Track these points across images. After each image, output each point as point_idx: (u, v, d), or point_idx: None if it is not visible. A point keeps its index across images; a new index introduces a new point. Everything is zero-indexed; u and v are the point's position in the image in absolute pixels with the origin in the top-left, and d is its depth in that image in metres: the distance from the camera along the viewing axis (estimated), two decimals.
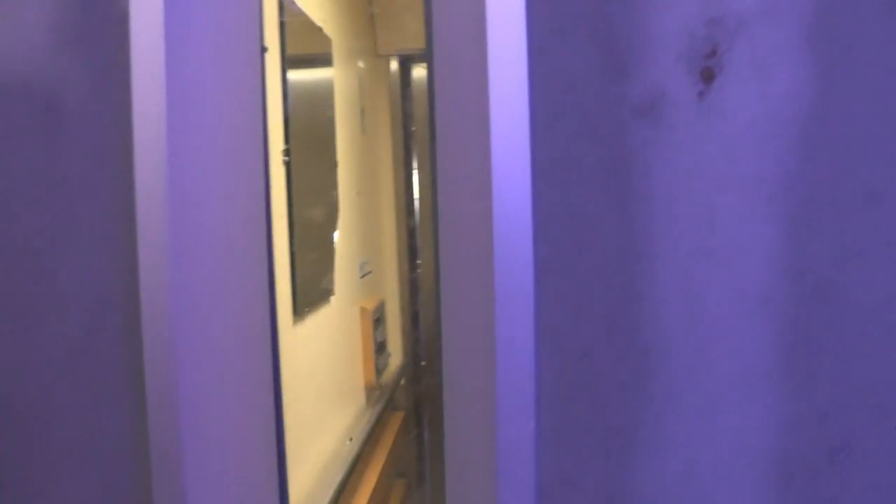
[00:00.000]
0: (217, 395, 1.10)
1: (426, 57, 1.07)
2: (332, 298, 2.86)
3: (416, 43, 3.89)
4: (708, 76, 0.94)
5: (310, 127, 2.71)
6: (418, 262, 4.30)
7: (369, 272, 3.74)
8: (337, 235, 3.02)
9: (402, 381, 4.09)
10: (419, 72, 4.06)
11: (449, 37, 1.04)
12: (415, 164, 3.95)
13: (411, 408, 4.23)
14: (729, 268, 0.95)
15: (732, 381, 0.96)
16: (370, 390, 3.58)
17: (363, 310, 3.56)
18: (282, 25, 2.22)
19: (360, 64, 3.66)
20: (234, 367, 1.15)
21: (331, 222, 2.96)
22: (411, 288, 4.17)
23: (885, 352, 0.92)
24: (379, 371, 3.68)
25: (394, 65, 3.99)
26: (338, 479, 2.61)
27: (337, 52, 3.06)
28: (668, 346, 0.98)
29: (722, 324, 0.96)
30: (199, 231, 1.05)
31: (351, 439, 3.04)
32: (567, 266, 0.97)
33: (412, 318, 4.19)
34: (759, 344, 0.95)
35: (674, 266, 0.97)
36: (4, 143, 1.04)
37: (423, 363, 4.37)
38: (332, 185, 2.99)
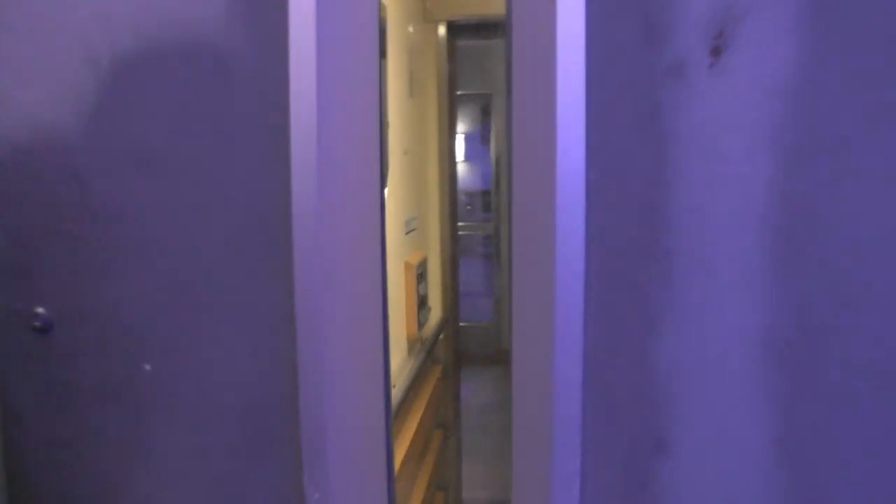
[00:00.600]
0: (346, 281, 1.53)
1: (506, 24, 1.48)
2: None
3: (463, 10, 4.27)
4: (716, 52, 1.33)
5: None
6: (462, 224, 4.71)
7: (414, 229, 4.11)
8: (386, 192, 3.38)
9: (441, 336, 4.50)
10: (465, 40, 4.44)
11: (525, 10, 1.45)
12: (459, 128, 4.32)
13: (449, 361, 4.66)
14: (734, 193, 1.35)
15: (732, 279, 1.36)
16: (412, 342, 3.92)
17: (408, 265, 3.88)
18: None
19: (410, 29, 4.02)
20: (354, 275, 1.57)
21: (382, 179, 3.33)
22: (452, 246, 4.58)
23: (852, 259, 1.32)
24: (420, 324, 4.02)
25: (441, 30, 4.37)
26: None
27: (389, 18, 3.42)
28: (685, 249, 1.38)
29: (727, 236, 1.36)
30: (336, 160, 1.47)
31: (394, 386, 3.42)
32: (611, 188, 1.38)
33: (452, 275, 4.61)
34: (755, 251, 1.35)
35: (692, 191, 1.37)
36: (190, 91, 1.46)
37: (462, 324, 4.80)
38: (384, 143, 3.35)
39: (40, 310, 1.55)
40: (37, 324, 1.55)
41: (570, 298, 1.37)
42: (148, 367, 1.53)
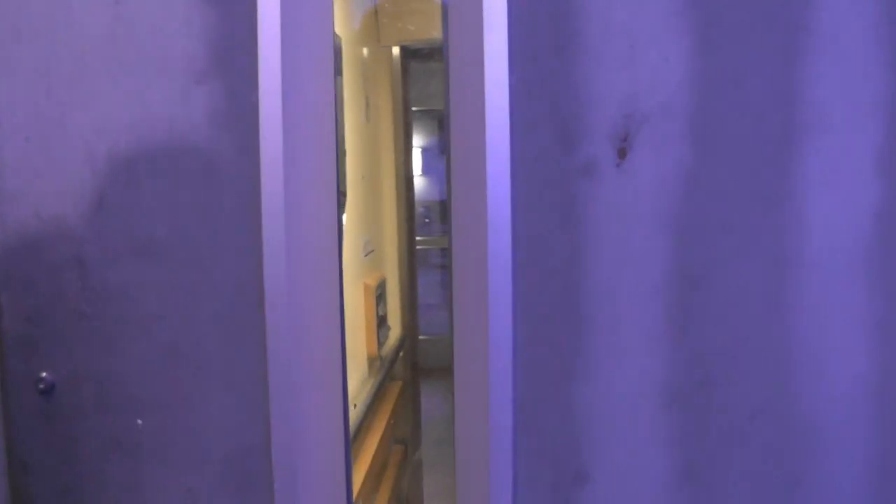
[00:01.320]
0: (309, 346, 1.91)
1: (445, 116, 1.86)
2: None
3: (417, 34, 4.60)
4: (622, 153, 1.73)
5: None
6: (420, 238, 5.04)
7: (372, 251, 4.40)
8: (344, 217, 3.67)
9: (401, 354, 4.84)
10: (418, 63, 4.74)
11: (460, 118, 1.84)
12: (416, 142, 4.63)
13: (409, 378, 5.02)
14: (637, 269, 1.75)
15: (637, 339, 1.77)
16: (372, 361, 4.18)
17: (367, 287, 4.13)
18: None
19: (364, 54, 4.33)
20: (316, 332, 1.95)
21: (340, 204, 3.58)
22: (410, 265, 4.94)
23: (735, 322, 1.74)
24: (380, 343, 4.24)
25: (395, 52, 4.71)
26: None
27: (345, 47, 3.70)
28: (597, 315, 1.78)
29: (631, 304, 1.76)
30: (302, 235, 1.85)
31: (355, 405, 3.67)
32: (535, 266, 1.78)
33: (411, 293, 4.96)
34: (655, 316, 1.76)
35: (602, 268, 1.77)
36: (185, 186, 1.83)
37: (421, 337, 5.15)
38: (342, 172, 3.64)
39: (44, 374, 1.90)
40: (41, 386, 1.90)
41: (502, 357, 1.76)
42: (140, 422, 1.89)
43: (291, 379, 1.82)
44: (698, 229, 1.74)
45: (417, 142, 6.81)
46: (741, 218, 1.74)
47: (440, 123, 6.93)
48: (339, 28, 3.46)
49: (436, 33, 4.62)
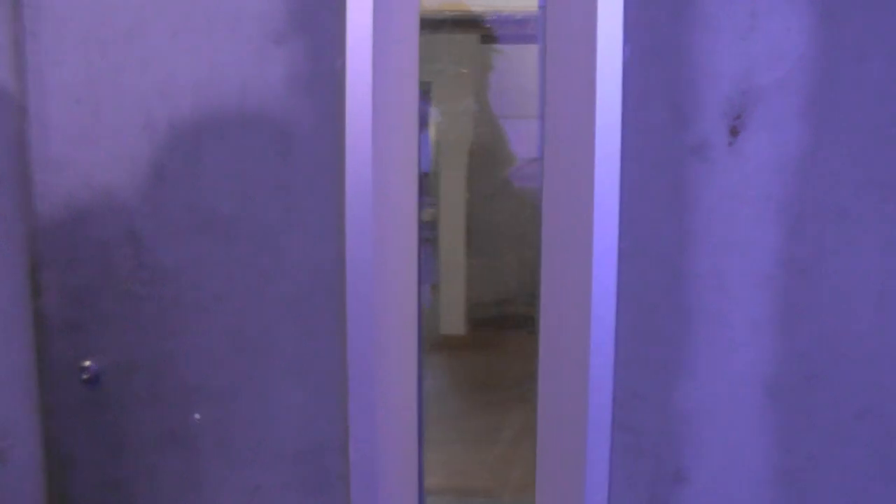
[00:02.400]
0: (388, 338, 1.67)
1: (541, 99, 1.63)
2: None
3: None
4: (734, 132, 1.52)
5: None
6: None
7: None
8: None
9: None
10: None
11: (565, 89, 1.60)
12: None
13: None
14: (744, 256, 1.55)
15: (742, 331, 1.56)
16: None
17: None
18: None
19: None
20: (395, 321, 1.71)
21: None
22: None
23: (844, 315, 1.54)
24: None
25: None
26: None
27: None
28: (703, 306, 1.57)
29: (738, 294, 1.56)
30: (387, 216, 1.60)
31: None
32: (641, 254, 1.56)
33: None
34: (763, 307, 1.56)
35: (707, 253, 1.56)
36: (254, 157, 1.56)
37: None
38: None
39: (88, 363, 1.64)
40: (85, 376, 1.63)
41: (604, 350, 1.55)
42: (198, 416, 1.64)
43: (372, 372, 1.58)
44: (810, 215, 1.54)
45: None
46: (856, 204, 1.54)
47: (423, 96, 6.68)
48: None
49: (427, 4, 4.36)
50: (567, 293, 1.68)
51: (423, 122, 6.97)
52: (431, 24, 4.51)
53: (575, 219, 1.60)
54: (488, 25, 5.32)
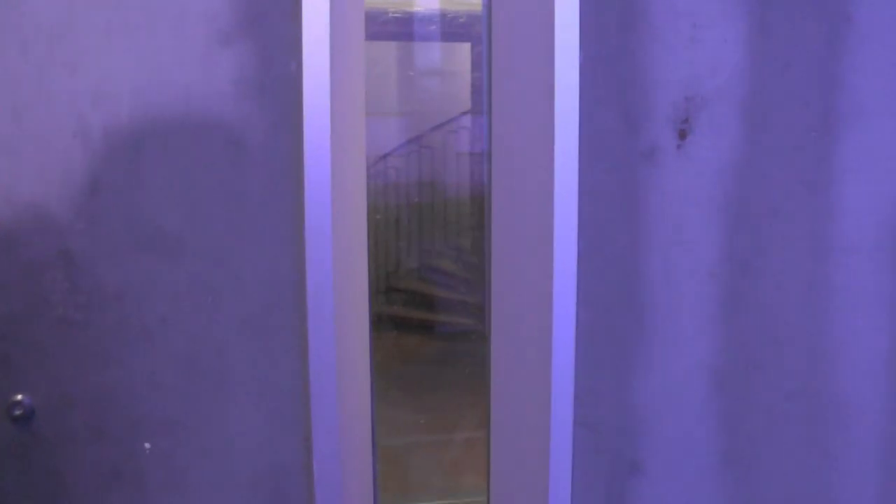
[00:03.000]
0: (348, 353, 1.55)
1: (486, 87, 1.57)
2: None
3: None
4: (682, 135, 1.54)
5: None
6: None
7: None
8: None
9: None
10: None
11: (520, 96, 1.56)
12: None
13: None
14: (692, 255, 1.57)
15: (691, 325, 1.59)
16: None
17: None
18: None
19: None
20: (352, 337, 1.60)
21: None
22: None
23: (780, 305, 1.60)
24: None
25: None
26: None
27: None
28: (655, 304, 1.58)
29: (685, 289, 1.58)
30: (346, 229, 1.49)
31: None
32: (597, 255, 1.54)
33: None
34: (708, 303, 1.59)
35: (659, 252, 1.57)
36: (202, 167, 1.40)
37: None
38: None
39: (19, 398, 1.42)
40: (16, 413, 1.41)
41: (565, 349, 1.52)
42: (148, 445, 1.46)
43: (335, 390, 1.47)
44: (748, 214, 1.59)
45: None
46: (787, 203, 1.60)
47: None
48: None
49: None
50: (522, 294, 1.64)
51: None
52: None
53: (531, 220, 1.57)
54: None
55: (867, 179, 1.63)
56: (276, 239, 1.45)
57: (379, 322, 5.49)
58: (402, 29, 5.65)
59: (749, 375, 1.64)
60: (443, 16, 5.59)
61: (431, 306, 5.67)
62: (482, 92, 1.83)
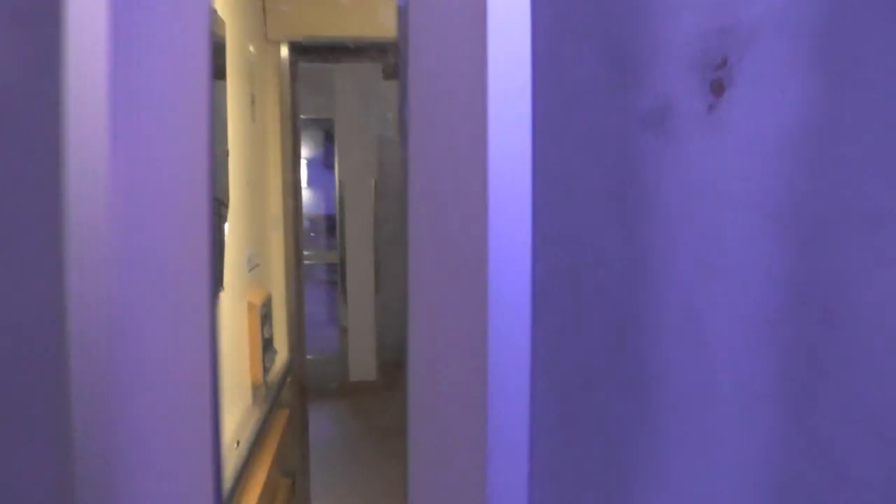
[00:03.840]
0: (154, 377, 0.93)
1: (399, 47, 0.94)
2: (221, 294, 2.68)
3: (307, 30, 3.70)
4: (718, 88, 0.86)
5: None
6: (306, 253, 4.18)
7: (257, 265, 3.54)
8: (227, 227, 2.83)
9: (288, 379, 3.90)
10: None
11: (433, 31, 0.92)
12: (303, 155, 3.80)
13: (296, 405, 4.04)
14: (734, 290, 0.88)
15: (735, 414, 0.89)
16: (256, 389, 3.40)
17: (251, 305, 3.36)
18: None
19: (251, 49, 3.44)
20: (163, 366, 0.99)
21: (221, 213, 2.77)
22: (297, 281, 3.98)
23: (889, 378, 0.88)
24: (266, 369, 3.50)
25: (283, 51, 3.78)
26: (227, 486, 2.45)
27: (229, 36, 2.86)
28: (671, 375, 0.90)
29: (725, 349, 0.89)
30: (145, 231, 0.88)
31: (238, 443, 2.86)
32: (567, 288, 0.88)
33: (298, 312, 4.00)
34: (763, 371, 0.89)
35: (678, 288, 0.89)
36: None
37: (309, 357, 4.22)
38: (224, 174, 2.80)
39: None
40: None
41: (506, 462, 0.85)
42: None
43: (112, 433, 0.84)
44: (834, 219, 0.89)
45: (304, 152, 5.87)
46: (890, 203, 0.89)
47: (327, 134, 5.97)
48: (223, 14, 2.72)
49: (328, 30, 3.69)
50: (449, 347, 0.99)
51: (327, 162, 6.28)
52: (333, 51, 3.89)
53: (460, 226, 0.91)
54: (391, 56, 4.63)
55: None
56: (21, 263, 0.85)
57: None
58: None
59: (831, 484, 0.92)
60: None
61: None
62: None
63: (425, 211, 0.91)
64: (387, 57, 4.13)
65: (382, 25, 3.69)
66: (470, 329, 0.88)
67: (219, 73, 2.73)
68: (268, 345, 3.58)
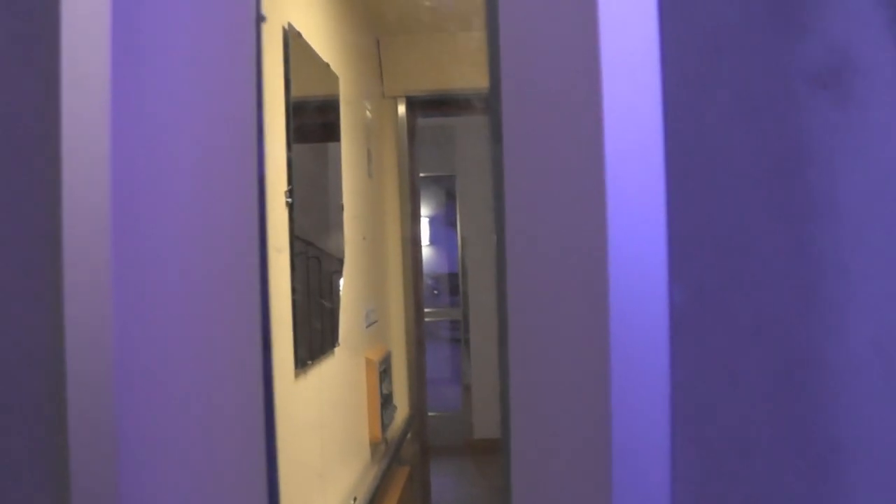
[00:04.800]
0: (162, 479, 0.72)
1: (489, 27, 0.72)
2: (337, 349, 2.53)
3: (424, 85, 3.59)
4: None
5: (315, 167, 2.42)
6: (428, 310, 4.02)
7: (375, 321, 3.40)
8: (342, 282, 2.70)
9: (409, 435, 3.70)
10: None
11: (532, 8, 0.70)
12: (425, 213, 3.68)
13: (418, 462, 3.82)
14: None
15: None
16: (375, 446, 3.22)
17: (369, 361, 3.23)
18: (287, 57, 1.93)
19: (367, 105, 3.36)
20: (208, 444, 0.78)
21: (336, 268, 2.64)
22: (418, 338, 3.80)
23: None
24: (385, 426, 3.33)
25: (401, 108, 3.68)
26: None
27: (344, 91, 2.77)
28: (860, 437, 0.61)
29: None
30: (156, 277, 0.69)
31: (355, 500, 2.68)
32: (715, 318, 0.62)
33: (419, 369, 3.81)
34: None
35: (866, 314, 0.61)
36: None
37: (431, 414, 4.01)
38: (338, 229, 2.68)
39: None
40: None
41: None
42: None
43: None
44: None
45: (425, 211, 5.76)
46: None
47: (448, 192, 5.83)
48: (338, 70, 2.65)
49: (445, 84, 3.55)
50: (552, 401, 0.73)
51: (449, 220, 6.15)
52: (450, 104, 3.77)
53: (562, 237, 0.66)
54: None
55: None
56: (15, 297, 0.67)
57: None
58: None
59: None
60: None
61: None
62: None
63: (523, 218, 0.67)
64: None
65: None
66: (586, 376, 0.63)
67: (332, 128, 2.65)
68: (387, 401, 3.43)
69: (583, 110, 0.59)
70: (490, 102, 0.62)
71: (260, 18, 0.75)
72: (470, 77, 3.57)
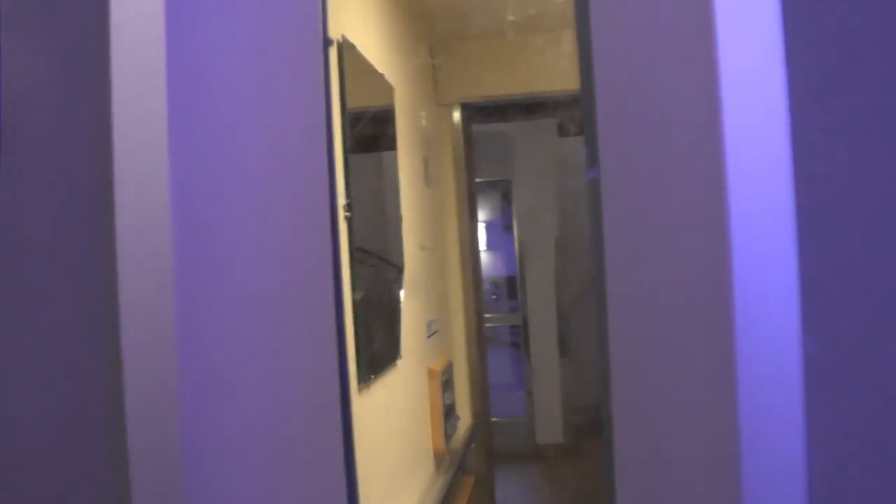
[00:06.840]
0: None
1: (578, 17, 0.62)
2: (399, 361, 2.46)
3: (478, 91, 3.49)
4: None
5: (373, 178, 2.35)
6: (488, 316, 3.93)
7: (436, 331, 3.32)
8: (402, 293, 2.62)
9: (472, 444, 3.61)
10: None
11: None
12: (482, 218, 3.58)
13: (482, 471, 3.72)
14: None
15: None
16: (439, 456, 3.15)
17: (431, 371, 3.16)
18: (342, 70, 1.86)
19: (422, 113, 3.28)
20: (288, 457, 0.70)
21: (396, 279, 2.57)
22: (479, 346, 3.70)
23: None
24: (448, 436, 3.25)
25: (455, 115, 3.59)
26: None
27: (399, 101, 2.70)
28: None
29: None
30: (225, 302, 0.61)
31: None
32: (856, 371, 0.51)
33: (482, 378, 3.71)
34: None
35: None
36: None
37: (494, 420, 3.90)
38: (397, 239, 2.61)
39: None
40: None
41: None
42: None
43: None
44: None
45: (481, 216, 5.66)
46: None
47: (505, 195, 5.73)
48: (392, 80, 2.59)
49: (499, 89, 3.46)
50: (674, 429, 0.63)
51: (506, 224, 6.03)
52: (504, 109, 3.67)
53: (686, 283, 0.56)
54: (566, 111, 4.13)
55: None
56: (66, 330, 0.60)
57: None
58: None
59: None
60: None
61: None
62: None
63: (625, 259, 0.57)
64: (561, 112, 3.83)
65: (553, 80, 3.41)
66: (713, 453, 0.52)
67: (389, 138, 2.58)
68: (450, 411, 3.34)
69: (697, 134, 0.48)
70: (585, 124, 0.52)
71: (327, 42, 0.67)
72: (524, 81, 3.47)
